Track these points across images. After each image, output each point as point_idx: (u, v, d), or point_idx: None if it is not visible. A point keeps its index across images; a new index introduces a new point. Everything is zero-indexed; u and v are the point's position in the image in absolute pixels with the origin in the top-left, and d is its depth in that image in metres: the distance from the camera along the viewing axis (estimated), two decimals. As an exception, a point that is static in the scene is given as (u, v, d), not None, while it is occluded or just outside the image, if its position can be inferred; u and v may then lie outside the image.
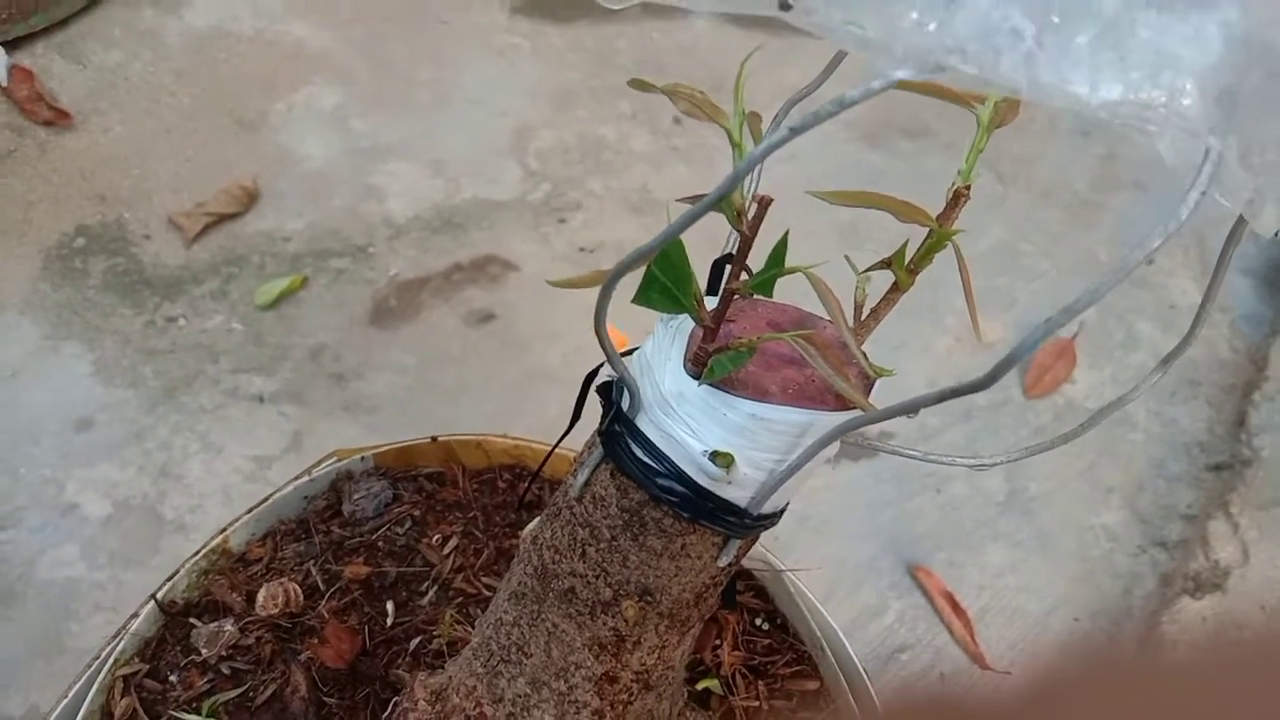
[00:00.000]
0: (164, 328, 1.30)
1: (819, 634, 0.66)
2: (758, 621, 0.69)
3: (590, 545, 0.45)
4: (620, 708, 0.47)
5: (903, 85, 0.47)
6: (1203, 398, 1.43)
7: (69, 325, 1.29)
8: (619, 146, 1.63)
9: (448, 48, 1.72)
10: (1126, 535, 1.27)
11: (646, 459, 0.43)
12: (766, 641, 0.68)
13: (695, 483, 0.43)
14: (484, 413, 1.26)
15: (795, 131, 0.32)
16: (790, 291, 0.48)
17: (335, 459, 0.69)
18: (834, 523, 1.24)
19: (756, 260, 0.44)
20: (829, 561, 1.21)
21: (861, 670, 0.63)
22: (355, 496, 0.69)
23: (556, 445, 0.58)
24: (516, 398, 1.28)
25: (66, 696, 0.60)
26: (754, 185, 0.54)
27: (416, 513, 0.70)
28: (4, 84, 1.48)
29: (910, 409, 0.37)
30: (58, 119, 1.47)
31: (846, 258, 0.50)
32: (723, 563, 0.45)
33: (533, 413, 1.25)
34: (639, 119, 1.68)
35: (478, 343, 1.33)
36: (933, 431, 1.34)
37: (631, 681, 0.47)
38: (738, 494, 0.43)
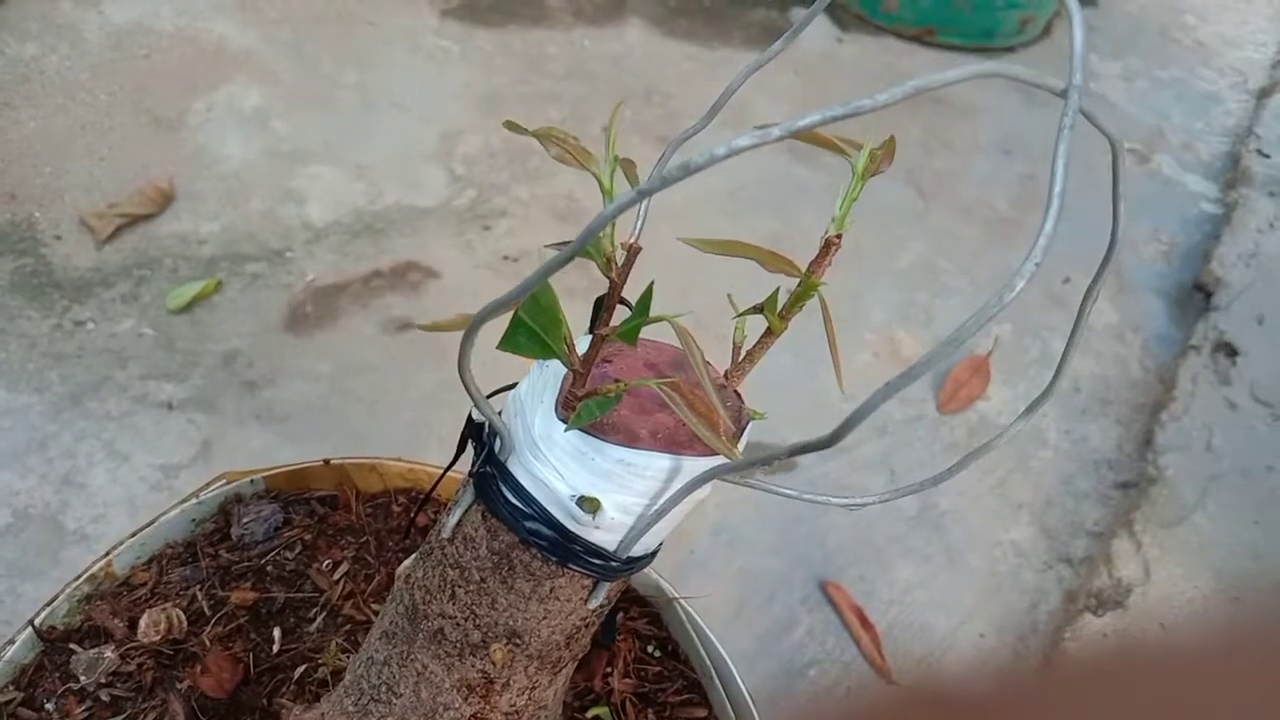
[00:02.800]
0: (72, 331, 1.27)
1: (708, 662, 0.66)
2: (650, 649, 0.69)
3: (460, 586, 0.45)
4: (491, 748, 0.47)
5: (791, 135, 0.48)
6: (1113, 416, 1.46)
7: (-28, 327, 1.25)
8: (545, 154, 1.61)
9: (375, 50, 1.71)
10: (1034, 551, 1.29)
11: (516, 501, 0.43)
12: (657, 669, 0.68)
13: (563, 526, 0.43)
14: (399, 422, 1.25)
15: (644, 194, 0.32)
16: (691, 319, 0.48)
17: (224, 481, 0.68)
18: (748, 536, 1.25)
19: (660, 299, 0.43)
20: (742, 576, 1.22)
21: (749, 700, 0.64)
22: (244, 520, 0.68)
23: (445, 473, 0.58)
24: (432, 407, 1.27)
25: (-66, 726, 0.58)
26: (640, 224, 0.54)
27: (308, 537, 0.69)
28: (-90, 75, 1.44)
29: (766, 461, 0.38)
30: (-34, 113, 1.43)
31: (729, 297, 0.50)
32: (593, 605, 0.45)
33: (449, 423, 1.24)
34: (567, 126, 1.67)
35: (395, 351, 1.32)
36: (848, 446, 1.36)
37: (501, 722, 0.47)
38: (606, 537, 0.43)
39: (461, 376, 0.40)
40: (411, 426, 1.24)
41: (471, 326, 0.38)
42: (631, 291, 0.44)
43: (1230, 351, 1.53)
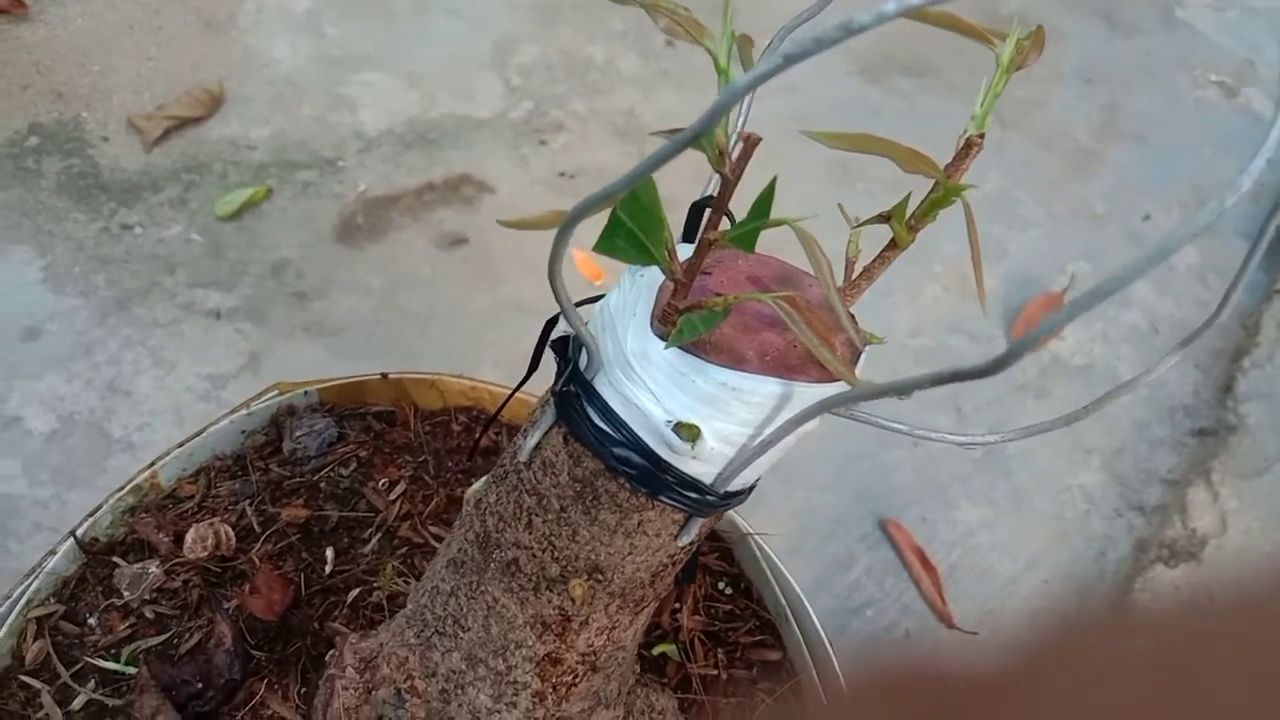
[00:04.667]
0: (119, 235, 1.24)
1: (783, 601, 0.62)
2: (721, 585, 0.65)
3: (537, 515, 0.40)
4: (564, 689, 0.43)
5: (918, 16, 0.42)
6: (1191, 361, 1.39)
7: (19, 228, 1.22)
8: (606, 67, 1.55)
9: (431, -48, 1.64)
10: (1104, 498, 1.24)
11: (603, 425, 0.39)
12: (729, 607, 0.64)
13: (656, 454, 0.38)
14: (453, 341, 1.21)
15: (790, 59, 0.27)
16: (773, 240, 0.43)
17: (276, 392, 0.64)
18: (807, 471, 1.20)
19: (741, 206, 0.39)
20: (800, 512, 1.17)
21: (826, 642, 0.60)
22: (297, 434, 0.64)
23: (515, 391, 0.54)
24: (487, 327, 1.23)
25: (-26, 636, 0.55)
26: (742, 120, 0.48)
27: (363, 454, 0.65)
28: (-44, -34, 1.40)
29: (904, 389, 0.33)
30: (13, 7, 1.39)
31: (840, 207, 0.45)
32: (683, 542, 0.41)
33: (504, 344, 1.20)
34: (629, 39, 1.61)
35: (448, 267, 1.28)
36: (914, 382, 1.30)
37: (577, 663, 0.43)
38: (702, 469, 0.39)
39: (551, 282, 0.36)
40: (466, 345, 1.20)
41: (566, 223, 0.33)
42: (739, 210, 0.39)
43: (1319, 297, 1.45)
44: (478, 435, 0.64)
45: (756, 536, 0.64)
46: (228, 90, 1.38)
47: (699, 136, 0.30)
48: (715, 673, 0.61)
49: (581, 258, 1.30)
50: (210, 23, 1.46)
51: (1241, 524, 1.21)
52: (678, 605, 0.63)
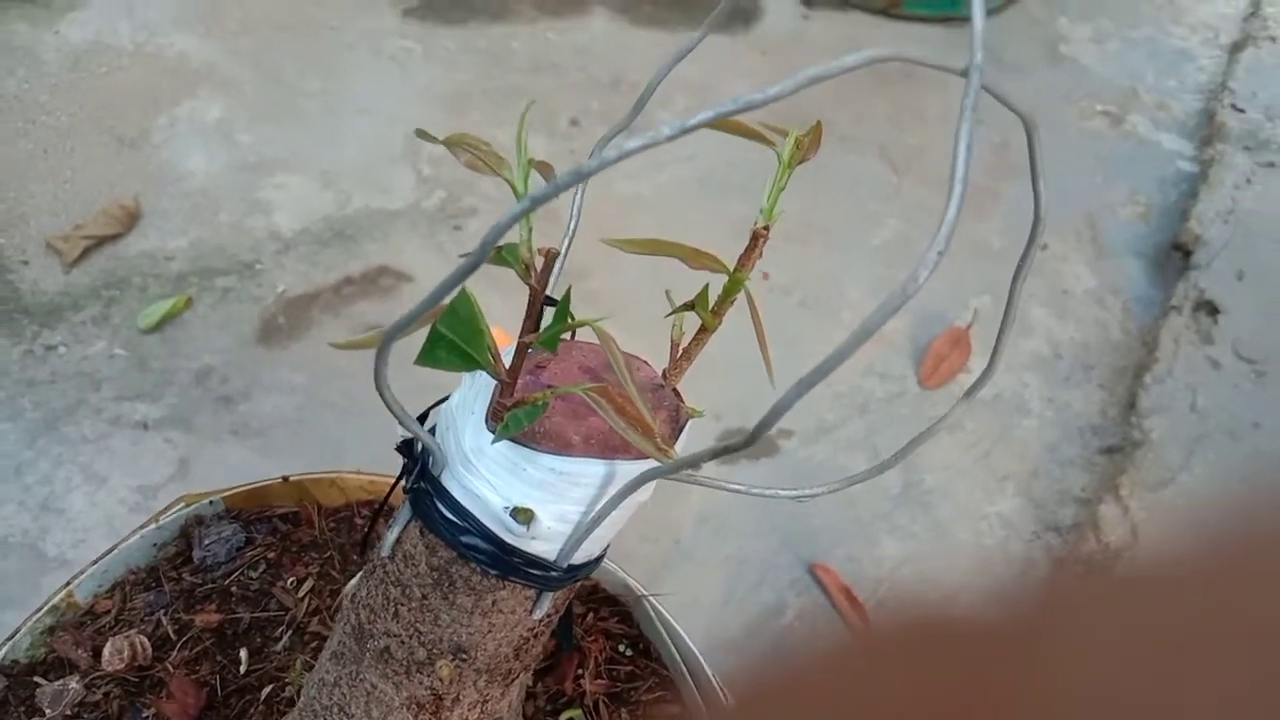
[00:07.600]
0: (43, 356, 1.26)
1: (679, 659, 0.66)
2: (621, 648, 0.68)
3: (402, 604, 0.44)
4: (446, 763, 0.47)
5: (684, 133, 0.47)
6: (1095, 381, 1.46)
7: (-58, 358, 1.25)
8: (514, 149, 1.61)
9: (337, 55, 1.69)
10: (1021, 521, 1.29)
11: (451, 516, 0.43)
12: (629, 668, 0.67)
13: (500, 539, 0.42)
14: (376, 429, 1.24)
15: (536, 201, 0.32)
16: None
17: (184, 504, 0.68)
18: (734, 521, 1.24)
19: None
20: (730, 560, 1.21)
21: (721, 693, 0.63)
22: (206, 542, 0.67)
23: (394, 486, 0.57)
24: (411, 411, 1.26)
25: (-101, 769, 0.58)
26: (573, 224, 0.53)
27: (271, 555, 0.68)
28: None
29: (691, 463, 0.37)
30: (-74, 142, 1.42)
31: (667, 293, 0.50)
32: (537, 615, 0.45)
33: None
34: (536, 121, 1.67)
35: (369, 358, 1.31)
36: (831, 426, 1.35)
37: (455, 737, 0.46)
38: (544, 547, 0.43)
39: (381, 395, 0.40)
40: (389, 433, 1.23)
41: (382, 345, 0.38)
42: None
43: (1211, 310, 1.52)
44: (368, 528, 0.67)
45: (650, 598, 0.68)
46: (144, 205, 1.42)
47: (477, 265, 0.34)
48: (621, 731, 0.65)
49: (497, 330, 1.34)
50: (124, 140, 1.50)
51: (1152, 534, 1.26)
52: (580, 671, 0.66)
